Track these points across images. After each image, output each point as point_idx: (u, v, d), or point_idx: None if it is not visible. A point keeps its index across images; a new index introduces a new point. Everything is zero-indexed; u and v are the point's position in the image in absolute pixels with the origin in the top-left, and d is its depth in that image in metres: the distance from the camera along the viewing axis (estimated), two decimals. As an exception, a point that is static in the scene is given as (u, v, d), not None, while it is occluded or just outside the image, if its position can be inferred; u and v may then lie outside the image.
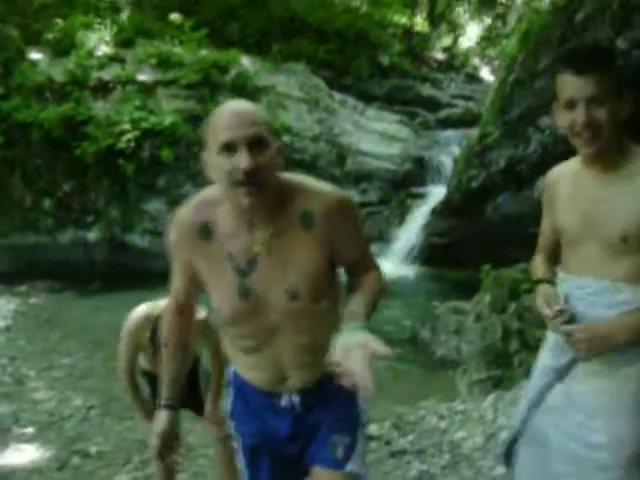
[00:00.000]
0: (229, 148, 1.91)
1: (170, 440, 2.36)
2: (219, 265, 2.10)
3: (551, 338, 2.48)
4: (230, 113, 1.96)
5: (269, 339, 2.15)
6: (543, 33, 10.32)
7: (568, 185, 2.37)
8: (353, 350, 1.77)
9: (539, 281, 2.50)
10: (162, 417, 2.37)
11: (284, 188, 2.06)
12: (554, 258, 2.54)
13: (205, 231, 2.10)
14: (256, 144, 1.92)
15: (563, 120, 2.20)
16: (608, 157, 2.21)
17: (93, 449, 4.97)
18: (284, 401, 2.25)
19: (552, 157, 9.84)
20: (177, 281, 2.30)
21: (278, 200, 2.03)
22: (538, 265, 2.60)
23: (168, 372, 2.41)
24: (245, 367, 2.30)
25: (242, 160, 1.89)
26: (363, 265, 2.21)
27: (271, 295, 2.08)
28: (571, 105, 2.15)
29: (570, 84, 2.14)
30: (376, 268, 2.25)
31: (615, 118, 2.14)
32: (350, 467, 2.22)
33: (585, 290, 2.29)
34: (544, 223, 2.57)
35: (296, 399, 2.24)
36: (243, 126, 1.91)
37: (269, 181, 1.96)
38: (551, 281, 2.48)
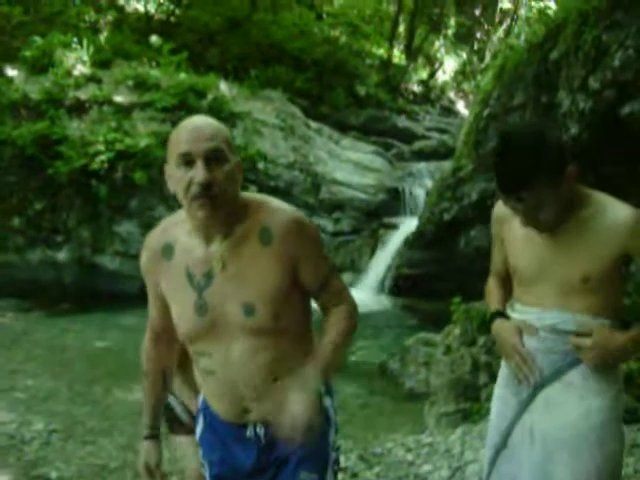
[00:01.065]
0: (187, 161, 1.91)
1: (156, 470, 2.34)
2: (178, 282, 2.09)
3: (505, 372, 2.46)
4: (190, 127, 1.96)
5: (226, 360, 2.08)
6: (518, 70, 10.47)
7: (517, 227, 2.33)
8: (288, 404, 1.86)
9: (497, 314, 2.49)
10: (148, 448, 2.35)
11: (243, 204, 2.05)
12: (507, 283, 2.53)
13: (167, 251, 2.11)
14: (214, 158, 1.92)
15: (519, 221, 2.26)
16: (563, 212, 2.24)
17: (54, 474, 4.86)
18: (249, 432, 2.18)
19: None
20: (152, 310, 2.28)
21: (236, 215, 2.02)
22: (492, 290, 2.60)
23: (150, 401, 2.38)
24: (208, 394, 2.26)
25: (198, 173, 1.88)
26: (330, 295, 2.16)
27: (227, 310, 2.04)
28: (515, 212, 2.22)
29: (506, 202, 2.21)
30: (347, 302, 2.20)
31: (559, 203, 2.16)
32: None
33: (544, 322, 2.30)
34: (495, 253, 2.58)
35: (261, 431, 2.16)
36: (201, 140, 1.91)
37: (225, 195, 1.95)
38: (506, 314, 2.46)
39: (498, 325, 2.43)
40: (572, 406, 2.25)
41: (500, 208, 2.42)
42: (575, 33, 9.06)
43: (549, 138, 2.13)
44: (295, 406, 1.86)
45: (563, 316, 2.25)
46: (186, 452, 3.21)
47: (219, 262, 2.03)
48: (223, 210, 1.96)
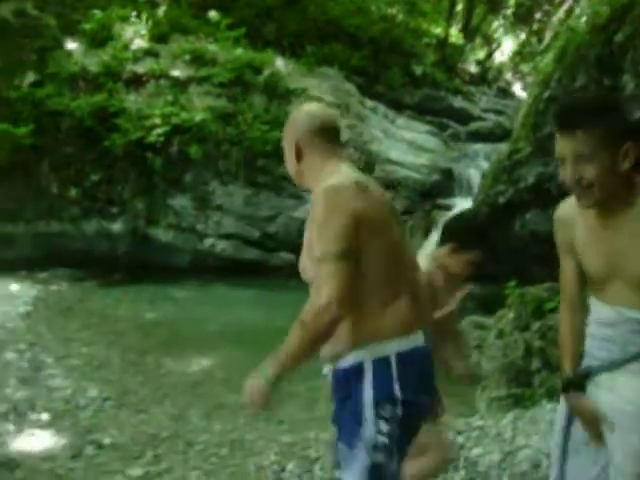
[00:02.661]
0: None
1: None
2: None
3: None
4: None
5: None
6: (580, 51, 10.23)
7: (582, 226, 2.28)
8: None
9: (570, 382, 2.37)
10: None
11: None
12: (581, 304, 2.42)
13: None
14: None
15: (560, 174, 2.18)
16: (613, 204, 2.16)
17: (107, 440, 4.95)
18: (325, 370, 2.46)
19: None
20: None
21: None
22: (565, 332, 2.45)
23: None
24: None
25: None
26: (316, 270, 2.25)
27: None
28: (561, 162, 2.14)
29: (558, 141, 2.14)
30: (315, 298, 2.21)
31: (608, 172, 2.08)
32: (341, 476, 2.35)
33: (606, 321, 2.25)
34: (565, 266, 2.42)
35: (328, 371, 2.43)
36: None
37: (299, 180, 2.52)
38: (581, 381, 2.35)
39: (574, 403, 2.35)
40: (636, 387, 2.19)
41: (562, 210, 2.38)
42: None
43: (622, 108, 2.14)
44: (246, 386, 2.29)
45: (632, 313, 2.17)
46: None
47: None
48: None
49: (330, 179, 2.32)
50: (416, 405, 2.35)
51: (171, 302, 10.27)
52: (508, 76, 23.43)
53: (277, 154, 12.27)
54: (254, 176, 12.42)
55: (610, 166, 2.07)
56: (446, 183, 14.35)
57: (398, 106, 16.31)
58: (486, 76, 21.53)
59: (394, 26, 18.25)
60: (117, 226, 12.40)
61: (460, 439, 4.95)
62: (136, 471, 4.44)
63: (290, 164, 2.53)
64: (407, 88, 17.11)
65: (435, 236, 12.95)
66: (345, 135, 13.80)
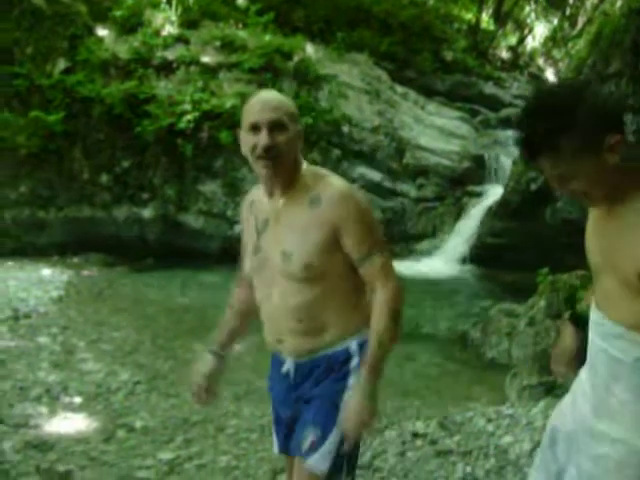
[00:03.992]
0: (254, 128, 2.35)
1: (205, 379, 2.75)
2: (251, 228, 2.58)
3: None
4: (259, 99, 2.42)
5: (269, 295, 2.52)
6: (615, 36, 10.09)
7: (590, 219, 2.15)
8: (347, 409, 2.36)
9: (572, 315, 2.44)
10: (206, 358, 2.79)
11: (303, 173, 2.47)
12: None
13: (250, 205, 2.64)
14: (276, 127, 2.33)
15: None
16: (609, 202, 1.97)
17: (138, 424, 4.99)
18: (285, 367, 2.58)
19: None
20: (242, 255, 2.69)
21: (294, 179, 2.44)
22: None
23: (226, 326, 2.83)
24: (263, 321, 2.65)
25: (262, 138, 2.32)
26: (372, 269, 2.41)
27: (271, 254, 2.47)
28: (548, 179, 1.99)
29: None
30: (392, 282, 2.42)
31: (598, 176, 1.88)
32: (311, 461, 2.41)
33: (600, 327, 2.11)
34: None
35: (291, 367, 2.56)
36: (266, 111, 2.35)
37: (284, 158, 2.37)
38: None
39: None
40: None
41: None
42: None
43: (586, 98, 1.84)
44: (350, 411, 2.34)
45: (616, 329, 2.01)
46: None
47: (274, 215, 2.48)
48: (281, 170, 2.40)
49: (335, 180, 2.47)
50: None
51: (201, 288, 10.32)
52: (540, 62, 23.19)
53: (306, 140, 12.22)
54: (283, 162, 12.41)
55: (598, 170, 1.87)
56: (477, 170, 14.25)
57: (429, 92, 16.23)
58: (518, 62, 21.34)
59: (424, 11, 18.14)
60: (148, 212, 12.46)
61: (490, 427, 4.93)
62: (167, 455, 4.47)
63: (294, 150, 2.44)
64: (438, 74, 17.02)
65: (468, 223, 12.91)
66: (375, 121, 13.75)
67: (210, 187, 12.43)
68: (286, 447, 2.65)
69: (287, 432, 2.63)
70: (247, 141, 2.39)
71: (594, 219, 2.10)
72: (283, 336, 2.52)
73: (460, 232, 12.85)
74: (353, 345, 2.50)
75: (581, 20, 22.78)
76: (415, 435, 4.83)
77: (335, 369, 2.49)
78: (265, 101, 2.41)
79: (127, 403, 5.47)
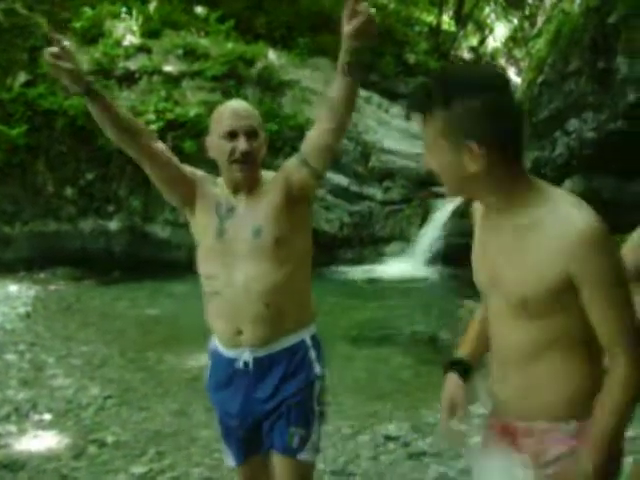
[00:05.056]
0: (232, 135, 2.53)
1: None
2: (207, 207, 2.64)
3: None
4: (232, 108, 2.62)
5: (230, 282, 2.55)
6: (574, 35, 10.22)
7: (480, 221, 1.97)
8: None
9: (454, 363, 2.17)
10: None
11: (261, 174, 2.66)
12: None
13: (209, 185, 2.70)
14: (252, 134, 2.55)
15: None
16: (497, 205, 1.82)
17: (110, 439, 4.95)
18: (240, 362, 2.58)
19: (578, 161, 9.77)
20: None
21: (260, 181, 2.63)
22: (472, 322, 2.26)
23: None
24: (212, 316, 2.65)
25: (241, 144, 2.52)
26: None
27: (240, 235, 2.55)
28: None
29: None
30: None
31: (452, 169, 1.76)
32: (302, 456, 2.58)
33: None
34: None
35: (249, 358, 2.57)
36: (242, 118, 2.55)
37: (257, 162, 2.60)
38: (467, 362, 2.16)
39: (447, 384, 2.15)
40: None
41: (476, 203, 2.03)
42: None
43: (479, 94, 1.69)
44: None
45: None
46: None
47: (241, 202, 2.61)
48: (254, 173, 2.60)
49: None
50: None
51: (170, 298, 10.27)
52: (502, 62, 23.39)
53: (271, 146, 12.25)
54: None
55: (453, 167, 1.76)
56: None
57: (392, 95, 16.27)
58: (480, 62, 21.48)
59: (386, 15, 18.19)
60: (114, 224, 12.38)
61: (462, 427, 4.95)
62: (139, 469, 4.44)
63: (263, 155, 2.68)
64: (401, 77, 17.08)
65: (435, 224, 12.96)
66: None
67: (176, 197, 12.35)
68: (252, 451, 2.71)
69: (248, 437, 2.68)
70: (222, 147, 2.55)
71: (479, 225, 1.97)
72: (243, 325, 2.55)
73: (427, 233, 12.92)
74: (307, 338, 2.65)
75: (540, 19, 23.02)
76: (388, 438, 4.85)
77: (297, 366, 2.59)
78: (239, 109, 2.60)
79: (98, 418, 5.42)
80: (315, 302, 2.78)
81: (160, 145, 2.64)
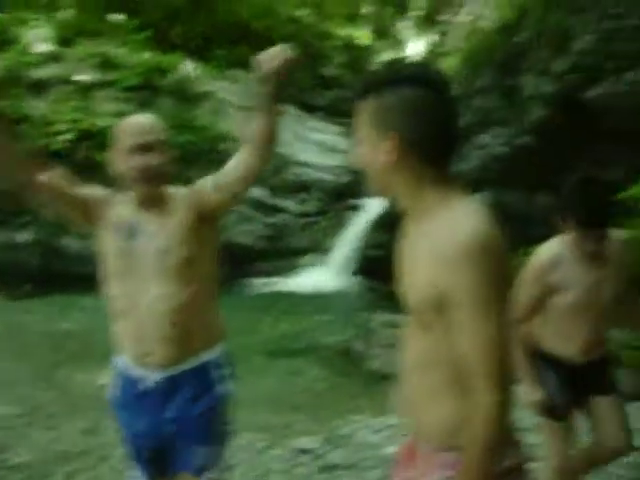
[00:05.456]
0: (140, 149, 2.47)
1: None
2: (113, 226, 2.58)
3: None
4: (138, 122, 2.55)
5: (138, 302, 2.50)
6: (485, 52, 10.51)
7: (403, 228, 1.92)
8: None
9: None
10: None
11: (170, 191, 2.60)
12: None
13: (112, 205, 2.64)
14: (159, 148, 2.51)
15: None
16: (411, 209, 1.79)
17: (17, 460, 4.81)
18: (148, 382, 2.55)
19: (490, 174, 10.03)
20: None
21: (166, 195, 2.57)
22: None
23: None
24: (121, 335, 2.62)
25: (151, 159, 2.48)
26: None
27: (145, 253, 2.51)
28: None
29: None
30: None
31: (365, 155, 1.78)
32: (209, 475, 2.55)
33: None
34: None
35: (157, 378, 2.54)
36: (150, 133, 2.50)
37: (165, 176, 2.55)
38: None
39: None
40: None
41: None
42: (540, 17, 9.12)
43: (414, 78, 1.71)
44: None
45: None
46: (551, 439, 3.32)
47: (148, 221, 2.55)
48: (161, 188, 2.55)
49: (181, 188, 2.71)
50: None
51: (82, 312, 10.04)
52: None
53: (185, 158, 12.19)
54: (164, 182, 12.27)
55: (374, 152, 1.75)
56: (357, 184, 14.48)
57: (309, 108, 16.39)
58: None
59: (302, 28, 18.30)
60: (25, 236, 12.04)
61: (375, 438, 5.01)
62: (46, 490, 4.34)
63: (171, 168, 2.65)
64: (317, 90, 17.22)
65: (350, 237, 13.07)
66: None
67: (89, 208, 12.11)
68: (159, 472, 2.68)
69: (155, 457, 2.65)
70: (125, 162, 2.50)
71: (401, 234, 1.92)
72: (151, 346, 2.52)
73: (342, 245, 13.03)
74: (215, 357, 2.64)
75: (455, 36, 23.52)
76: (301, 451, 4.86)
77: (204, 386, 2.58)
78: (142, 124, 2.54)
79: (4, 439, 5.26)
80: (223, 319, 2.77)
81: (78, 188, 2.68)
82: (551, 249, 3.15)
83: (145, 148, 2.48)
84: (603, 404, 3.27)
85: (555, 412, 3.23)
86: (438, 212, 1.68)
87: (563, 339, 3.21)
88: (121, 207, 2.62)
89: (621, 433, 3.23)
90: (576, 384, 3.24)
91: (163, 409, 2.56)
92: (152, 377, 2.55)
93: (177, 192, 2.62)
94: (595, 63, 8.03)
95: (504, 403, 1.61)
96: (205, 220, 2.56)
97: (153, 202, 2.56)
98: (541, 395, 3.18)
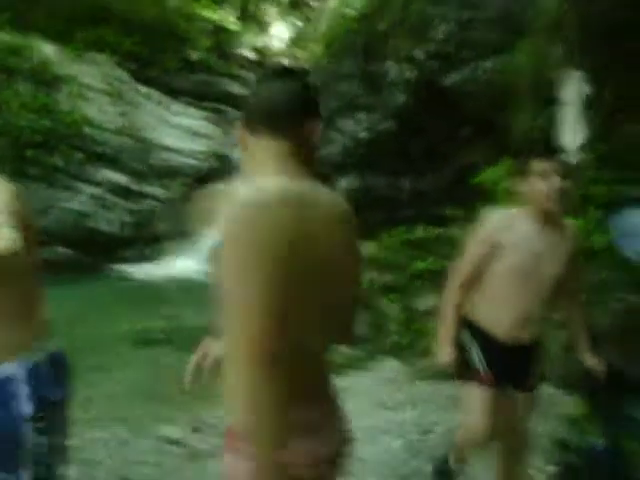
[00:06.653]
0: None
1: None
2: None
3: None
4: None
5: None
6: (348, 39, 10.63)
7: None
8: None
9: None
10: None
11: None
12: None
13: None
14: None
15: None
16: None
17: None
18: None
19: (352, 159, 10.19)
20: None
21: None
22: None
23: None
24: None
25: None
26: None
27: None
28: None
29: None
30: None
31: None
32: None
33: None
34: None
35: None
36: None
37: None
38: None
39: None
40: None
41: None
42: (402, 5, 9.31)
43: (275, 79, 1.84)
44: None
45: None
46: (472, 404, 3.20)
47: None
48: None
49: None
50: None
51: None
52: (285, 62, 23.80)
53: (46, 144, 11.73)
54: (23, 167, 11.75)
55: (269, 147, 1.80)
56: (222, 169, 14.41)
57: (174, 92, 16.14)
58: (263, 62, 21.75)
59: (167, 11, 17.95)
60: None
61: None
62: None
63: None
64: (182, 73, 16.96)
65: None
66: (118, 123, 13.45)
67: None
68: None
69: None
70: None
71: None
72: None
73: (209, 231, 12.90)
74: (18, 371, 2.17)
75: (320, 22, 23.69)
76: (169, 441, 4.78)
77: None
78: None
79: None
80: (44, 324, 2.37)
81: None
82: (506, 212, 3.21)
83: None
84: (514, 400, 3.25)
85: (473, 376, 3.18)
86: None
87: (494, 314, 3.16)
88: None
89: (513, 437, 3.27)
90: (501, 364, 3.18)
91: None
92: None
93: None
94: (454, 51, 8.29)
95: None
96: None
97: None
98: (454, 357, 3.19)
